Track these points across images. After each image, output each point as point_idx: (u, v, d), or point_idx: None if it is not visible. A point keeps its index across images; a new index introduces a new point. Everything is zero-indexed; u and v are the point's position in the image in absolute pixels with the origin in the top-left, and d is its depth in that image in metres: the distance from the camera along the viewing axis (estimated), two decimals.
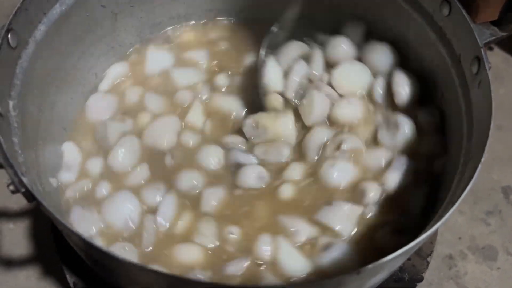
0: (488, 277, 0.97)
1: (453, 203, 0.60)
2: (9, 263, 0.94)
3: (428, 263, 0.90)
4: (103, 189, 0.83)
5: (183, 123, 0.90)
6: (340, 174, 0.81)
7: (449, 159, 0.82)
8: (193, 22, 1.06)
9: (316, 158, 0.84)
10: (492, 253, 1.00)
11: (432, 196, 0.82)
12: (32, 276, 0.93)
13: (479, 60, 0.72)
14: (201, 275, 0.71)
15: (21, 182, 0.59)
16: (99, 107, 0.93)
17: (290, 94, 0.88)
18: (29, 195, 0.59)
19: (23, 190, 0.58)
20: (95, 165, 0.86)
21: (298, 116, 0.88)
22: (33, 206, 0.95)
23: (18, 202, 0.99)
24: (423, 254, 0.90)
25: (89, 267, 0.78)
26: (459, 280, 0.96)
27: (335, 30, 0.99)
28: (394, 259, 0.55)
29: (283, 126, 0.86)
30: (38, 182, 0.73)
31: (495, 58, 1.26)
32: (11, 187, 0.59)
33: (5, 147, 0.61)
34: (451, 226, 1.01)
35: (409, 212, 0.80)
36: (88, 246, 0.59)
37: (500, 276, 0.96)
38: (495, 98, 0.68)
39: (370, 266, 0.53)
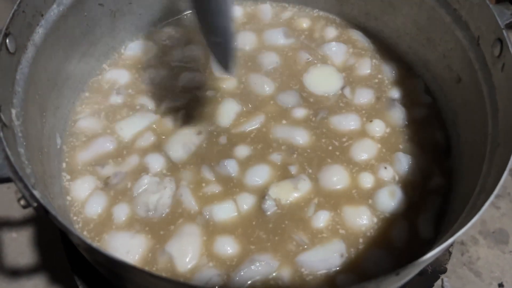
0: (501, 261, 0.96)
1: (487, 192, 0.57)
2: (16, 273, 0.92)
3: (450, 253, 0.88)
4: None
5: None
6: None
7: (469, 146, 0.80)
8: None
9: None
10: (504, 237, 0.99)
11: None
12: (40, 285, 0.91)
13: (501, 41, 0.69)
14: None
15: (32, 196, 0.55)
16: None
17: None
18: (42, 210, 0.55)
19: (35, 204, 0.55)
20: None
21: None
22: (36, 215, 0.93)
23: (20, 210, 0.96)
24: None
25: (101, 276, 0.75)
26: (472, 266, 0.95)
27: None
28: (433, 256, 0.53)
29: None
30: (46, 193, 0.70)
31: None
32: (22, 202, 0.55)
33: (13, 160, 0.57)
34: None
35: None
36: (108, 261, 0.55)
37: None
38: None
39: (410, 265, 0.50)
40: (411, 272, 0.57)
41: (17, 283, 0.91)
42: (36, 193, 0.56)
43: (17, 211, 0.97)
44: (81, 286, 0.82)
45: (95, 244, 0.74)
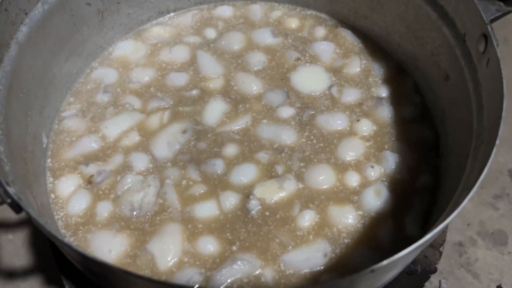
0: (499, 263, 0.95)
1: (468, 189, 0.56)
2: (11, 275, 0.92)
3: (440, 253, 0.87)
4: None
5: None
6: None
7: (457, 144, 0.79)
8: None
9: None
10: (502, 238, 0.98)
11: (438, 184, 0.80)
12: (35, 287, 0.91)
13: (486, 37, 0.68)
14: None
15: (6, 192, 0.55)
16: None
17: None
18: (16, 206, 0.55)
19: (9, 200, 0.55)
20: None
21: None
22: None
23: None
24: (435, 244, 0.87)
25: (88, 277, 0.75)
26: (470, 268, 0.94)
27: None
28: (408, 254, 0.52)
29: None
30: (28, 191, 0.69)
31: None
32: None
33: None
34: (459, 212, 0.99)
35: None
36: (85, 259, 0.55)
37: None
38: None
39: (384, 262, 0.49)
40: (387, 270, 0.56)
41: (12, 284, 0.91)
42: (10, 190, 0.56)
43: (13, 213, 0.97)
44: (67, 286, 0.81)
45: (72, 241, 0.74)
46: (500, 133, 0.58)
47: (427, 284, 0.89)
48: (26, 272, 0.92)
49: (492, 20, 0.71)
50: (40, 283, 0.91)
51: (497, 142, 0.58)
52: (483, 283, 0.93)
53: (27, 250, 0.95)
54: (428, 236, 0.52)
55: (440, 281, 0.92)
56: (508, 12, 0.73)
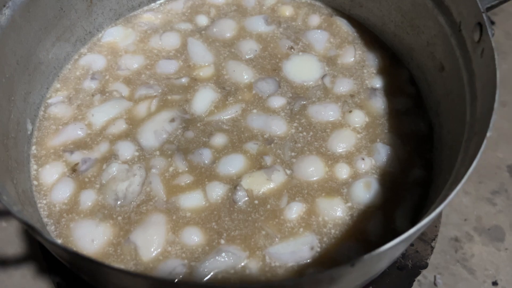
0: (496, 259, 0.93)
1: (457, 182, 0.54)
2: (4, 263, 0.91)
3: (432, 248, 0.85)
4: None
5: None
6: None
7: (451, 137, 0.77)
8: None
9: None
10: (499, 234, 0.96)
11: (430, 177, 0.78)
12: (28, 275, 0.89)
13: (481, 26, 0.66)
14: None
15: None
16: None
17: None
18: None
19: None
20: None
21: None
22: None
23: None
24: (427, 238, 0.85)
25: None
26: (466, 263, 0.92)
27: None
28: (391, 249, 0.50)
29: None
30: (8, 178, 0.68)
31: (496, 32, 1.21)
32: None
33: None
34: (456, 207, 0.97)
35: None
36: (57, 248, 0.53)
37: (509, 257, 0.92)
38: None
39: (366, 256, 0.47)
40: (370, 264, 0.54)
41: (5, 273, 0.90)
42: None
43: None
44: (51, 274, 0.80)
45: (54, 230, 0.73)
46: (491, 124, 0.56)
47: (421, 279, 0.88)
48: (19, 261, 0.91)
49: (488, 9, 0.68)
50: (33, 272, 0.90)
51: (488, 134, 0.56)
52: (479, 279, 0.91)
53: (20, 238, 0.93)
54: (412, 231, 0.50)
55: (435, 276, 0.91)
56: (505, 1, 0.70)
